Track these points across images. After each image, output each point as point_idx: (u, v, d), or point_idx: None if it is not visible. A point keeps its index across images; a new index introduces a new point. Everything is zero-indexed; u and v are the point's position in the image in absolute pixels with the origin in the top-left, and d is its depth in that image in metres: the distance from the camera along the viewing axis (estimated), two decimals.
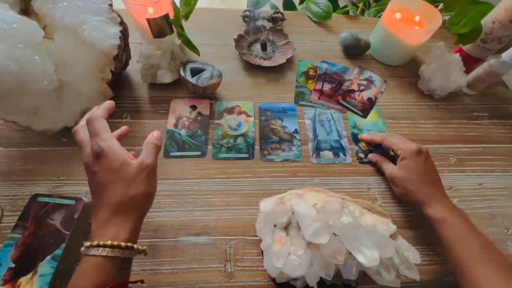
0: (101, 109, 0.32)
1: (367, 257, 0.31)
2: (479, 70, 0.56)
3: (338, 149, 0.50)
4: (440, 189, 0.41)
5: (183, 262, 0.38)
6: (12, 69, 0.35)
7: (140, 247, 0.28)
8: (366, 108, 0.55)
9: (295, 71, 0.60)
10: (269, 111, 0.54)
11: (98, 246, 0.26)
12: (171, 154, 0.47)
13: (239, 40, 0.61)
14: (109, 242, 0.26)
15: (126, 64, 0.53)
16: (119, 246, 0.26)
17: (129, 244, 0.27)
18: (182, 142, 0.48)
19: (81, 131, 0.31)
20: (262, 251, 0.38)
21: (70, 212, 0.38)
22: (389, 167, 0.45)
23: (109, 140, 0.29)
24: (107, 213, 0.27)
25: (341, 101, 0.56)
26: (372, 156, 0.49)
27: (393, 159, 0.48)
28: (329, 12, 0.69)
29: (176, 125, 0.50)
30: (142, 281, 0.31)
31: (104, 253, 0.25)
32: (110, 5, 0.45)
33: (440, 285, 0.40)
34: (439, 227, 0.37)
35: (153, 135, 0.33)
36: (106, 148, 0.28)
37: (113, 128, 0.32)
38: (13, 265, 0.35)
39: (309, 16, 0.71)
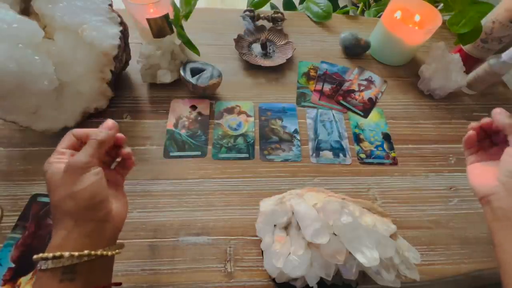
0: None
1: (367, 257, 0.31)
2: (479, 70, 0.56)
3: (338, 150, 0.50)
4: None
5: (183, 262, 0.38)
6: (12, 69, 0.35)
7: (75, 254, 0.24)
8: (366, 108, 0.55)
9: (295, 71, 0.60)
10: (269, 111, 0.54)
11: (39, 259, 0.24)
12: (171, 154, 0.47)
13: (239, 40, 0.61)
14: (42, 255, 0.24)
15: (126, 64, 0.53)
16: (46, 258, 0.23)
17: (57, 254, 0.23)
18: (182, 142, 0.48)
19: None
20: (262, 251, 0.38)
21: None
22: None
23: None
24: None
25: (341, 101, 0.56)
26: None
27: (394, 160, 0.48)
28: (329, 12, 0.69)
29: (176, 125, 0.50)
30: (119, 284, 0.29)
31: (43, 267, 0.24)
32: (110, 5, 0.45)
33: (440, 285, 0.40)
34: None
35: (106, 125, 0.30)
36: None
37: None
38: (13, 265, 0.35)
39: (309, 16, 0.71)
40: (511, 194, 0.29)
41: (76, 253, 0.24)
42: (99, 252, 0.25)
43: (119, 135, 0.31)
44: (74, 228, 0.25)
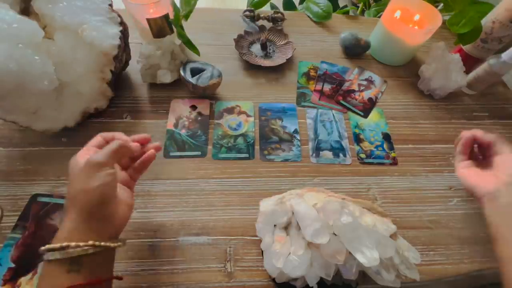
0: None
1: (367, 257, 0.31)
2: (479, 70, 0.56)
3: (338, 150, 0.50)
4: None
5: (183, 262, 0.38)
6: (12, 69, 0.35)
7: (80, 244, 0.25)
8: (366, 108, 0.55)
9: (295, 71, 0.60)
10: (269, 111, 0.54)
11: (46, 250, 0.25)
12: (171, 154, 0.47)
13: (239, 40, 0.61)
14: (49, 246, 0.25)
15: (126, 64, 0.53)
16: (52, 249, 0.24)
17: (64, 244, 0.24)
18: (182, 142, 0.48)
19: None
20: (262, 251, 0.38)
21: None
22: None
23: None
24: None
25: (341, 101, 0.56)
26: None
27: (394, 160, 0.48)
28: (329, 12, 0.69)
29: (176, 125, 0.50)
30: (120, 278, 0.30)
31: (51, 258, 0.24)
32: (110, 5, 0.45)
33: (440, 285, 0.40)
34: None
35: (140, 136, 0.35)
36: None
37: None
38: (13, 265, 0.35)
39: (309, 16, 0.71)
40: None
41: (82, 243, 0.25)
42: (102, 243, 0.26)
43: (143, 136, 0.36)
44: (80, 223, 0.26)
